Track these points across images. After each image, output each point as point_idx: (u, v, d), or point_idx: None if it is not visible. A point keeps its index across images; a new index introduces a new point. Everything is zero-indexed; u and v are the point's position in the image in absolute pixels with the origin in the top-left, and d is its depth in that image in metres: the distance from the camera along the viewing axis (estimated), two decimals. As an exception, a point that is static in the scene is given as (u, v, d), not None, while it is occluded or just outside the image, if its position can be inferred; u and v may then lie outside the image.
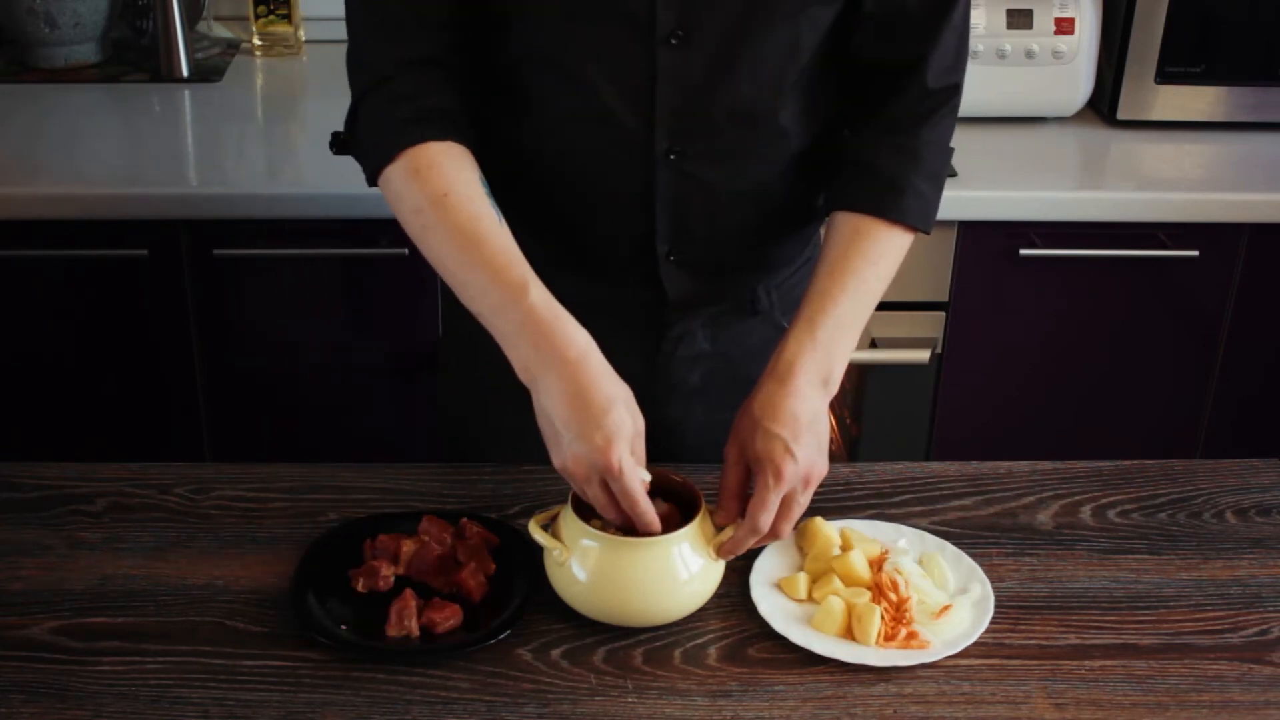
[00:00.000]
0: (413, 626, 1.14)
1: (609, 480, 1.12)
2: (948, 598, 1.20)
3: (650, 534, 1.14)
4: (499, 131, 1.33)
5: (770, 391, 1.21)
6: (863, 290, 1.27)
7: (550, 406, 1.14)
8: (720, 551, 1.18)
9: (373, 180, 1.27)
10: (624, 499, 1.13)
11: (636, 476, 1.13)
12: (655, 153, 1.28)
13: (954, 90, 1.33)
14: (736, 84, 1.26)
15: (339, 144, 1.32)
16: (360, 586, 1.19)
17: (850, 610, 1.17)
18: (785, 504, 1.18)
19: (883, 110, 1.33)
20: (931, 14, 1.28)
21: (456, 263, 1.21)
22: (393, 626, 1.14)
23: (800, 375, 1.22)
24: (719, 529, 1.20)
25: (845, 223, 1.30)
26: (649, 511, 1.14)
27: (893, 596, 1.18)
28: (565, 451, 1.14)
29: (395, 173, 1.23)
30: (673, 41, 1.23)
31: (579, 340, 1.16)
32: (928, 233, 1.32)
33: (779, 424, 1.19)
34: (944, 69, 1.31)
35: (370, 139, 1.27)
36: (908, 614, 1.17)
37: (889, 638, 1.16)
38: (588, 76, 1.25)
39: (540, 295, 1.17)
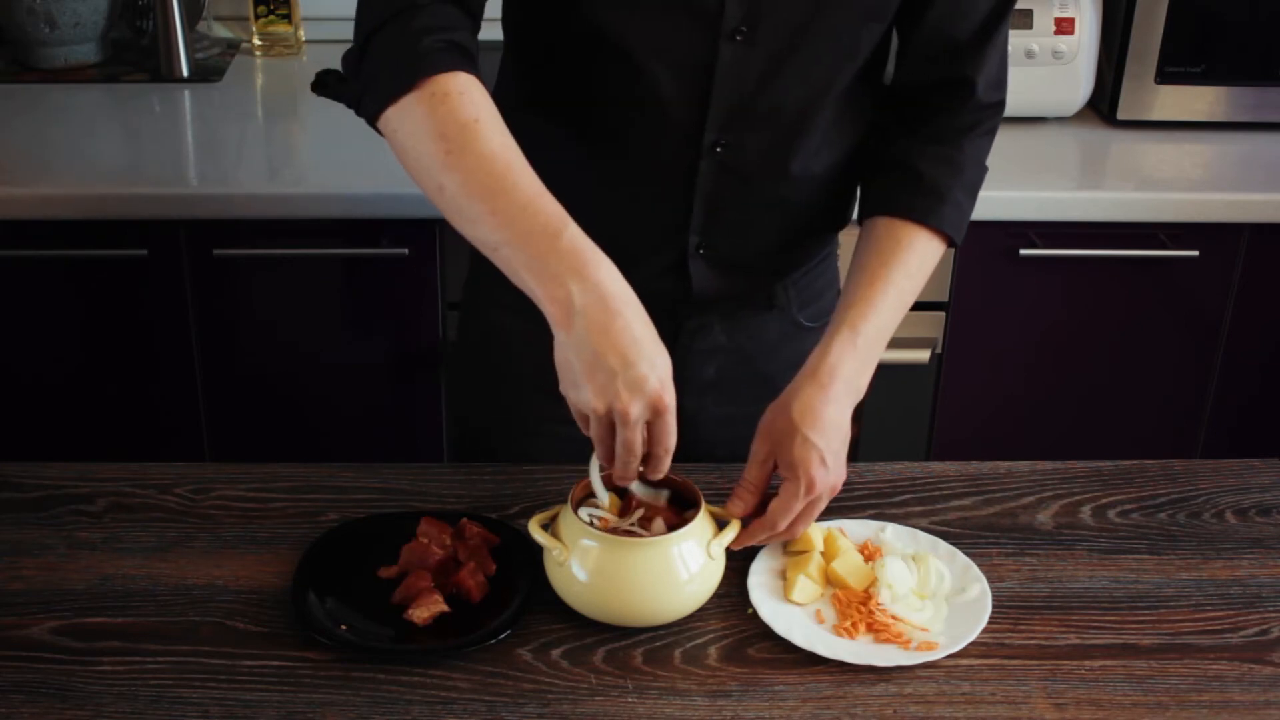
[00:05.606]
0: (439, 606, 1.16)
1: (656, 416, 1.10)
2: (933, 608, 1.20)
3: (660, 469, 1.15)
4: (542, 109, 1.32)
5: (810, 396, 1.22)
6: (899, 301, 1.29)
7: (594, 340, 1.09)
8: (735, 542, 1.20)
9: (376, 114, 1.19)
10: (664, 434, 1.12)
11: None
12: (702, 144, 1.28)
13: (998, 108, 1.36)
14: (789, 84, 1.27)
15: (324, 85, 1.26)
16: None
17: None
18: (807, 508, 1.21)
19: (927, 124, 1.34)
20: (980, 38, 1.30)
21: (484, 189, 1.13)
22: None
23: (840, 382, 1.23)
24: (728, 518, 1.21)
25: (886, 229, 1.31)
26: (672, 445, 1.13)
27: (879, 617, 1.18)
28: (609, 387, 1.09)
29: (414, 100, 1.16)
30: (737, 37, 1.23)
31: (621, 279, 1.12)
32: (958, 245, 1.34)
33: (817, 432, 1.20)
34: (989, 86, 1.33)
35: (385, 68, 1.18)
36: (892, 629, 1.18)
37: (868, 628, 1.17)
38: (647, 63, 1.24)
39: (578, 230, 1.12)
